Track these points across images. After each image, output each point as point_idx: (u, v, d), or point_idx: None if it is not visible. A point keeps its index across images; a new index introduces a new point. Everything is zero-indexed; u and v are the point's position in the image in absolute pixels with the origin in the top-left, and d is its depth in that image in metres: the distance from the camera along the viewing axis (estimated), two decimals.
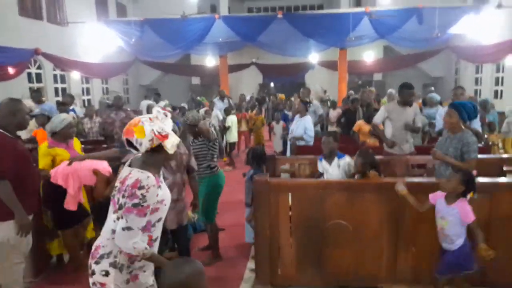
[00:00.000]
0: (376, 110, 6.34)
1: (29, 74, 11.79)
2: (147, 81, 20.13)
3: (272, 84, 21.48)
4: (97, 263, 2.02)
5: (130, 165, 2.05)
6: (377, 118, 4.86)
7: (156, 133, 1.93)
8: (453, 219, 2.78)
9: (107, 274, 1.99)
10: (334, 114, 8.18)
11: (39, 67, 12.28)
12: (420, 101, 8.48)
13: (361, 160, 3.38)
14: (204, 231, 4.53)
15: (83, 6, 14.42)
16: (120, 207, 1.94)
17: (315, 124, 6.76)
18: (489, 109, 7.30)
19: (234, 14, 18.09)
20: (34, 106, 6.58)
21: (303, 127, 5.73)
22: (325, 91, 11.42)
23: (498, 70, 13.55)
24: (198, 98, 14.57)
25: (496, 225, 3.19)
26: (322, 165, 3.93)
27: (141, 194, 1.89)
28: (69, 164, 3.43)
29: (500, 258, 3.23)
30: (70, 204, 3.46)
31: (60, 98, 12.45)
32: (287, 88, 19.86)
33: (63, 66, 13.05)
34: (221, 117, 9.29)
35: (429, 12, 13.25)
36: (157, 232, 2.10)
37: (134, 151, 2.03)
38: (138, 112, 10.02)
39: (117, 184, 2.03)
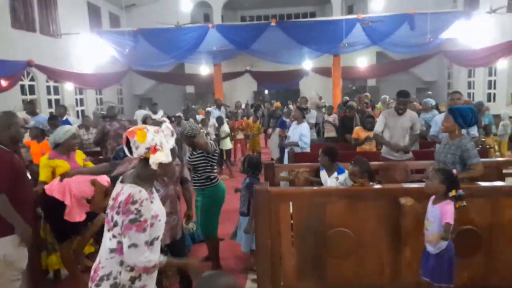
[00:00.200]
0: (369, 116, 6.34)
1: (22, 86, 11.71)
2: (141, 91, 20.09)
3: (266, 91, 21.55)
4: (97, 285, 1.96)
5: (122, 181, 2.02)
6: (378, 127, 4.83)
7: (154, 144, 1.92)
8: (434, 219, 2.76)
9: None
10: (330, 119, 8.19)
11: (32, 79, 12.20)
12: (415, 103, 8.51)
13: (359, 169, 3.35)
14: (203, 241, 4.46)
15: (76, 17, 14.42)
16: (115, 225, 1.91)
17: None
18: (484, 111, 7.34)
19: (228, 23, 18.16)
20: (29, 118, 6.51)
21: (299, 133, 5.71)
22: (320, 98, 11.45)
23: (490, 74, 13.71)
24: (193, 106, 14.55)
25: (498, 230, 3.17)
26: (322, 175, 3.91)
27: (135, 209, 1.87)
28: (60, 180, 3.37)
29: (502, 262, 3.23)
30: (71, 216, 3.38)
31: (53, 110, 12.37)
32: (281, 95, 19.93)
33: (57, 77, 12.98)
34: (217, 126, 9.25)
35: (420, 17, 13.41)
36: (156, 251, 2.04)
37: (128, 155, 1.99)
38: (133, 122, 9.96)
39: (110, 201, 2.00)
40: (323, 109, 9.02)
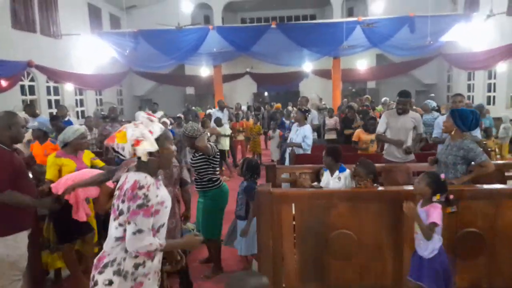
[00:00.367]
0: (372, 118, 6.36)
1: (22, 87, 11.69)
2: (141, 92, 20.08)
3: (266, 93, 21.57)
4: (100, 272, 1.96)
5: (126, 172, 2.07)
6: (380, 127, 4.84)
7: (135, 138, 1.94)
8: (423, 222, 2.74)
9: (110, 283, 1.94)
10: (331, 121, 8.20)
11: (32, 80, 12.19)
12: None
13: (365, 170, 3.34)
14: (204, 242, 4.44)
15: (77, 18, 14.41)
16: (121, 213, 1.93)
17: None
18: (484, 113, 7.35)
19: (228, 24, 18.18)
20: (29, 119, 6.49)
21: (302, 135, 5.70)
22: (320, 99, 11.47)
23: (490, 77, 13.73)
24: (193, 108, 14.54)
25: (501, 232, 3.17)
26: (325, 176, 3.90)
27: (143, 194, 1.90)
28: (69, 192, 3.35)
29: (505, 264, 3.22)
30: (79, 215, 3.38)
31: (53, 110, 12.35)
32: (281, 97, 19.93)
33: (57, 78, 12.97)
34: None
35: (420, 20, 13.44)
36: (161, 238, 2.07)
37: (123, 158, 2.02)
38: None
39: (116, 192, 2.02)
40: (324, 111, 9.02)
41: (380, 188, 3.53)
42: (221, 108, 9.81)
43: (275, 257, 3.35)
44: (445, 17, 14.19)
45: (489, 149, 5.84)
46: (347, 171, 3.73)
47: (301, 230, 3.34)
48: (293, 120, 8.61)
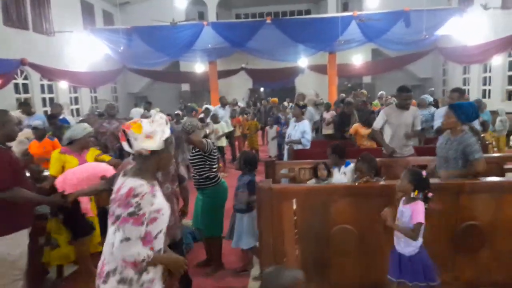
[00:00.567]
0: (372, 112, 6.35)
1: (16, 85, 11.56)
2: (136, 89, 19.95)
3: (262, 89, 21.50)
4: (104, 282, 1.93)
5: (124, 175, 2.02)
6: (377, 123, 4.80)
7: (149, 133, 1.94)
8: (406, 220, 2.72)
9: None
10: (328, 116, 8.19)
11: (25, 78, 12.05)
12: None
13: (366, 166, 3.33)
14: (202, 240, 4.41)
15: (69, 15, 14.23)
16: (117, 218, 1.89)
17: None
18: (482, 108, 7.38)
19: (222, 20, 18.08)
20: (24, 117, 6.43)
21: (301, 131, 5.68)
22: (317, 95, 11.45)
23: (485, 70, 13.77)
24: (189, 104, 14.46)
25: (502, 226, 3.17)
26: (335, 172, 3.89)
27: (136, 202, 1.85)
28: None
29: (506, 258, 3.23)
30: (88, 210, 3.42)
31: (48, 108, 12.23)
32: (277, 92, 19.89)
33: (51, 76, 12.83)
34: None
35: (415, 15, 13.45)
36: (159, 244, 2.04)
37: (128, 149, 1.99)
38: (129, 120, 9.87)
39: (113, 195, 1.98)
40: (321, 107, 9.01)
41: (382, 182, 3.52)
42: (223, 105, 9.70)
43: (276, 253, 3.33)
44: (440, 11, 14.22)
45: (487, 142, 5.86)
46: (352, 164, 3.75)
47: (302, 226, 3.33)
48: (289, 116, 8.61)
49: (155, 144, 1.96)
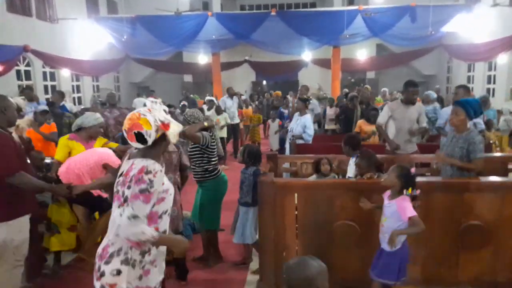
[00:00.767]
0: (375, 108, 6.30)
1: (18, 72, 11.53)
2: (139, 79, 19.87)
3: (264, 82, 21.41)
4: (107, 263, 1.92)
5: (129, 158, 2.02)
6: (382, 118, 4.76)
7: (159, 122, 1.92)
8: (391, 215, 2.70)
9: (118, 273, 1.90)
10: (331, 111, 8.14)
11: (28, 65, 12.01)
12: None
13: (366, 162, 3.30)
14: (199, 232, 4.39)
15: (73, 2, 14.15)
16: (126, 200, 1.87)
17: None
18: (488, 105, 7.33)
19: (227, 11, 17.92)
20: (25, 103, 6.39)
21: (303, 125, 5.64)
22: (319, 89, 11.39)
23: (490, 69, 13.66)
24: (191, 96, 14.41)
25: (506, 225, 3.15)
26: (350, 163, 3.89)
27: (149, 179, 1.86)
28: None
29: (510, 257, 3.21)
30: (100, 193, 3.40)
31: (49, 96, 12.19)
32: (280, 86, 19.79)
33: (53, 63, 12.80)
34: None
35: (422, 10, 13.31)
36: (164, 224, 2.04)
37: (140, 146, 1.96)
38: (131, 110, 9.84)
39: (119, 178, 1.96)
40: (324, 101, 8.95)
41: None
42: (231, 95, 9.61)
43: (277, 247, 3.33)
44: (447, 7, 14.07)
45: (490, 141, 5.82)
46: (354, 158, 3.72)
47: (304, 220, 3.31)
48: (291, 109, 8.56)
49: (177, 127, 2.01)
